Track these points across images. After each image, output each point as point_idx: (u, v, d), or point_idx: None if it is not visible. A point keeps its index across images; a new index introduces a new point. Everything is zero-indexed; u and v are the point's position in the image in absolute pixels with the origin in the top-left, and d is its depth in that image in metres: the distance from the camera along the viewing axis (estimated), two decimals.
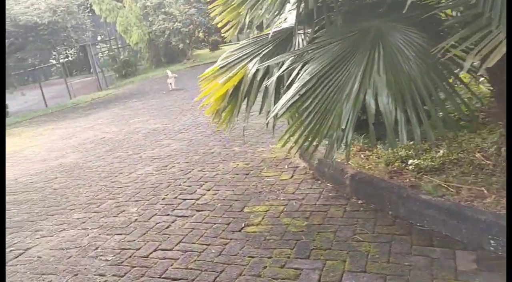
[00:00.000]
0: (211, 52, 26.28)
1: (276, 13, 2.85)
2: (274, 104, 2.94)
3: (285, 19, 3.81)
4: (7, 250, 3.53)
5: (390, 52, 2.63)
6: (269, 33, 3.51)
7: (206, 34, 26.41)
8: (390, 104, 2.44)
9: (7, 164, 6.92)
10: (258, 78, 3.22)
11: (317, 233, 3.05)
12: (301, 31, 3.27)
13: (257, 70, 3.22)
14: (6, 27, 13.58)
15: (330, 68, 2.75)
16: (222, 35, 3.95)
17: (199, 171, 4.85)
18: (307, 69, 2.77)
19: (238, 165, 4.85)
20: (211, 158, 5.32)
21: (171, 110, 9.65)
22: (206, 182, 4.44)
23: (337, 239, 2.92)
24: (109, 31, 24.16)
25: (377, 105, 2.47)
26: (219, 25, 3.96)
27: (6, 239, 3.75)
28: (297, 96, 2.72)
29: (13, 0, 14.32)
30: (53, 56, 20.43)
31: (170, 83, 13.31)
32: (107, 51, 24.03)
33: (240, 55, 3.56)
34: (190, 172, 4.87)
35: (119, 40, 24.11)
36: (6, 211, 4.54)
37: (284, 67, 2.92)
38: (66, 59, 25.01)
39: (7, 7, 13.82)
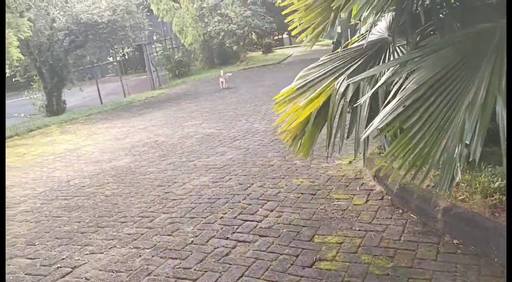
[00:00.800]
0: (264, 54, 26.05)
1: (377, 15, 2.36)
2: (367, 125, 2.46)
3: (372, 27, 3.31)
4: (54, 267, 3.26)
5: None
6: (351, 47, 3.05)
7: (259, 36, 26.24)
8: None
9: (61, 164, 6.84)
10: (348, 98, 2.72)
11: (407, 280, 2.54)
12: (401, 43, 2.77)
13: (346, 87, 2.72)
14: (68, 25, 13.93)
15: (442, 76, 2.27)
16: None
17: (259, 186, 4.43)
18: (413, 78, 2.28)
19: (302, 182, 4.39)
20: (271, 171, 4.89)
21: (225, 114, 9.34)
22: (268, 200, 4.02)
23: None
24: (164, 31, 24.42)
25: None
26: (293, 33, 3.54)
27: (54, 253, 3.49)
28: (400, 109, 2.23)
29: None
30: (110, 54, 20.86)
31: (222, 82, 13.89)
32: (162, 51, 24.29)
33: (322, 73, 3.09)
34: (249, 187, 4.46)
35: (174, 40, 24.31)
36: (57, 218, 4.33)
37: (383, 79, 2.42)
38: (123, 57, 25.59)
39: (69, 5, 14.17)
